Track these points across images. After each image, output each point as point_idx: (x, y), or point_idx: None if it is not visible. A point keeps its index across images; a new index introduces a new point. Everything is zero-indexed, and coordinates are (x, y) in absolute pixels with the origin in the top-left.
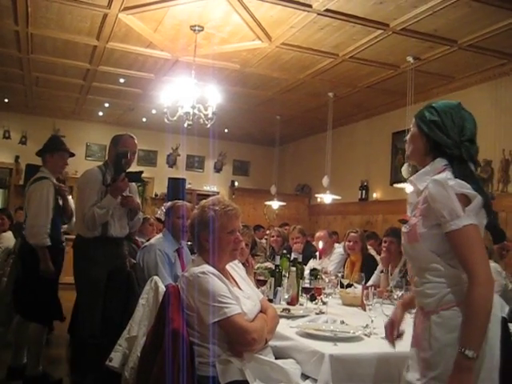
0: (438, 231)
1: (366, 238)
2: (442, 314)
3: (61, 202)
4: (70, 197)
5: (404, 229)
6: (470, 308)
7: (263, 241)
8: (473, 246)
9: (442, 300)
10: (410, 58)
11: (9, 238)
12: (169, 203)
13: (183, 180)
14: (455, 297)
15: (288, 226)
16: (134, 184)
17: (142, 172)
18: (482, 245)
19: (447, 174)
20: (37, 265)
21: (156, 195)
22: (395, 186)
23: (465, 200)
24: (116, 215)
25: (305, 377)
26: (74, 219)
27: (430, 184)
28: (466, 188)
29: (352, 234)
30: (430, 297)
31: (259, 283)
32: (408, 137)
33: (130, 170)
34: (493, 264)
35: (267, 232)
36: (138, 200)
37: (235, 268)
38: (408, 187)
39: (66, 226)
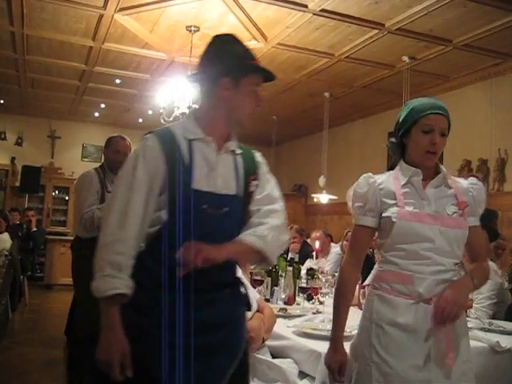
0: None
1: None
2: None
3: None
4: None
5: (454, 214)
6: (486, 271)
7: None
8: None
9: None
10: (405, 58)
11: (5, 240)
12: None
13: None
14: None
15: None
16: None
17: None
18: None
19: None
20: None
21: None
22: None
23: None
24: None
25: (302, 376)
26: None
27: (478, 183)
28: None
29: (350, 233)
30: None
31: (256, 283)
32: (443, 136)
33: None
34: (490, 263)
35: None
36: None
37: None
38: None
39: None
